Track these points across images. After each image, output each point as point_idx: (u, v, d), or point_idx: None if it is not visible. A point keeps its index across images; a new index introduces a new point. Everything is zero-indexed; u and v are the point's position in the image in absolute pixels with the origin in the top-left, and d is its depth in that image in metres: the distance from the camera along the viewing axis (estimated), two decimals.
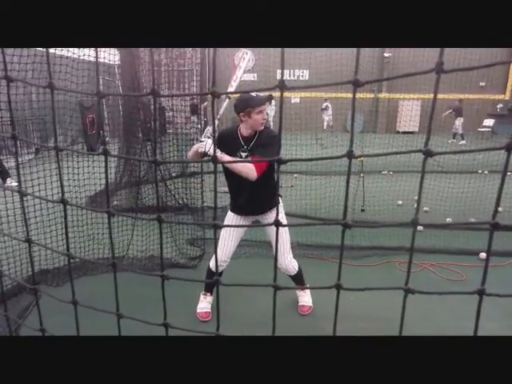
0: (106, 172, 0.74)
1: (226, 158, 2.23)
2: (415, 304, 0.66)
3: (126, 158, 4.84)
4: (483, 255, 3.68)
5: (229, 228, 2.58)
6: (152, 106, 5.09)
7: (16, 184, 3.82)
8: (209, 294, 2.80)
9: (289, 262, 2.60)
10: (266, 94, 2.37)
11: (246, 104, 2.27)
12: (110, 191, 5.10)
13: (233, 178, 2.34)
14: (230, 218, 2.61)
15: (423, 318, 2.56)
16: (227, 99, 2.33)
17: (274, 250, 0.73)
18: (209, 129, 2.33)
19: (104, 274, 3.33)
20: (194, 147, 2.33)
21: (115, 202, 5.14)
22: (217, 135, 2.37)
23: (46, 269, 3.19)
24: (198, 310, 2.74)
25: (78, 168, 3.89)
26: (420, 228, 4.26)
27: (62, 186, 0.78)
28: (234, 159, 2.37)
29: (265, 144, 2.33)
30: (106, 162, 0.70)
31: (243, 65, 2.50)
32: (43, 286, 3.10)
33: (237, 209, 2.58)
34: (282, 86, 0.57)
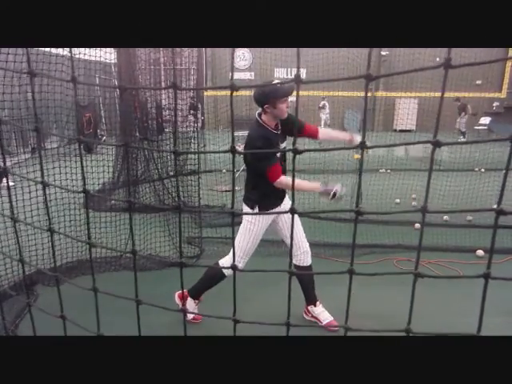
0: (128, 163, 0.74)
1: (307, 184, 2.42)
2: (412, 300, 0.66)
3: (147, 149, 4.74)
4: (480, 253, 3.70)
5: (260, 224, 2.50)
6: (149, 105, 5.08)
7: (13, 184, 3.80)
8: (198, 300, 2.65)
9: (308, 248, 2.64)
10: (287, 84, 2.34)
11: (272, 95, 2.26)
12: (108, 190, 5.08)
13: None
14: (262, 218, 2.50)
15: (422, 315, 2.57)
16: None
17: (290, 236, 0.74)
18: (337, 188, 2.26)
19: (102, 274, 3.32)
20: (314, 186, 2.33)
21: (112, 202, 5.12)
22: (262, 137, 2.32)
23: (41, 269, 3.18)
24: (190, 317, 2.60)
25: (76, 168, 3.87)
26: (417, 226, 4.27)
27: (83, 176, 0.78)
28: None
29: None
30: (125, 153, 0.69)
31: None
32: (40, 286, 3.08)
33: (272, 203, 2.52)
34: (298, 80, 0.57)
